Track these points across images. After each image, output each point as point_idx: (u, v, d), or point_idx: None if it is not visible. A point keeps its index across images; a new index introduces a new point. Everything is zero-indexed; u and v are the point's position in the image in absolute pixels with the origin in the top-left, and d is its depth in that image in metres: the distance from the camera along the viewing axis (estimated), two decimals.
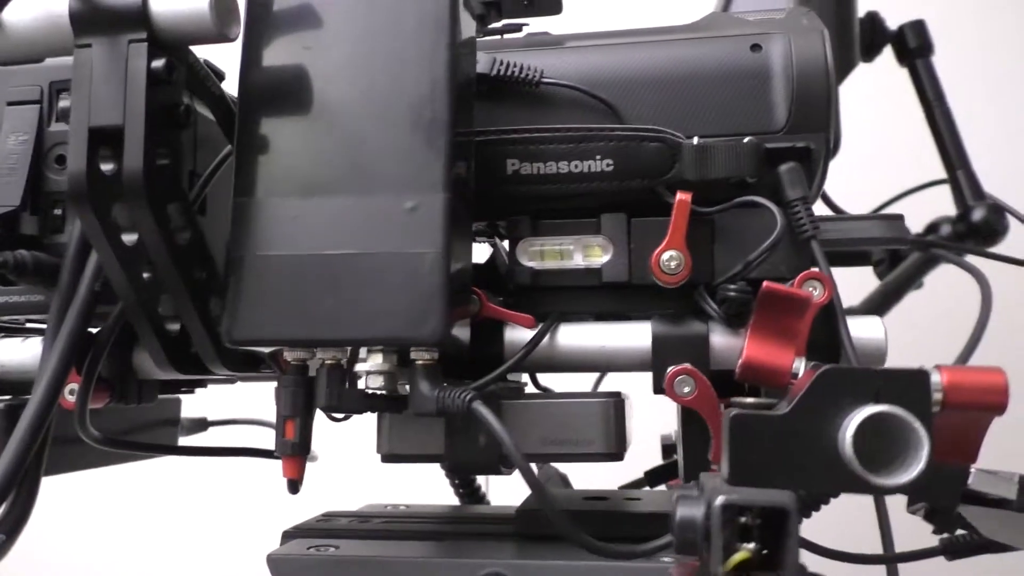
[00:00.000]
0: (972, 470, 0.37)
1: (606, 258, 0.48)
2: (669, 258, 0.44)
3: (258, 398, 0.73)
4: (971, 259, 0.74)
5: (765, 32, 0.49)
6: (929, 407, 0.31)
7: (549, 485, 0.66)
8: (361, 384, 0.41)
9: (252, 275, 0.40)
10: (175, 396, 0.67)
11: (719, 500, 0.30)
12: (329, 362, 0.41)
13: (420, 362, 0.40)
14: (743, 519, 0.30)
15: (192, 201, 0.44)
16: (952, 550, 0.45)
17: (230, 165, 0.43)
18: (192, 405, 0.70)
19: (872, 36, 0.81)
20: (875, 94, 0.87)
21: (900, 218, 0.48)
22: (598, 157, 0.47)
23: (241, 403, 0.76)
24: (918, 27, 0.81)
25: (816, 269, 0.43)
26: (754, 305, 0.42)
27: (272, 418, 0.62)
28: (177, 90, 0.39)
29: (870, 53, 0.82)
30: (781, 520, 0.30)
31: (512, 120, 0.48)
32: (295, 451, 0.41)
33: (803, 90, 0.47)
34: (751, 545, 0.30)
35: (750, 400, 0.32)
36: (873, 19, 0.81)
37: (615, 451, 0.45)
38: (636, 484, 0.68)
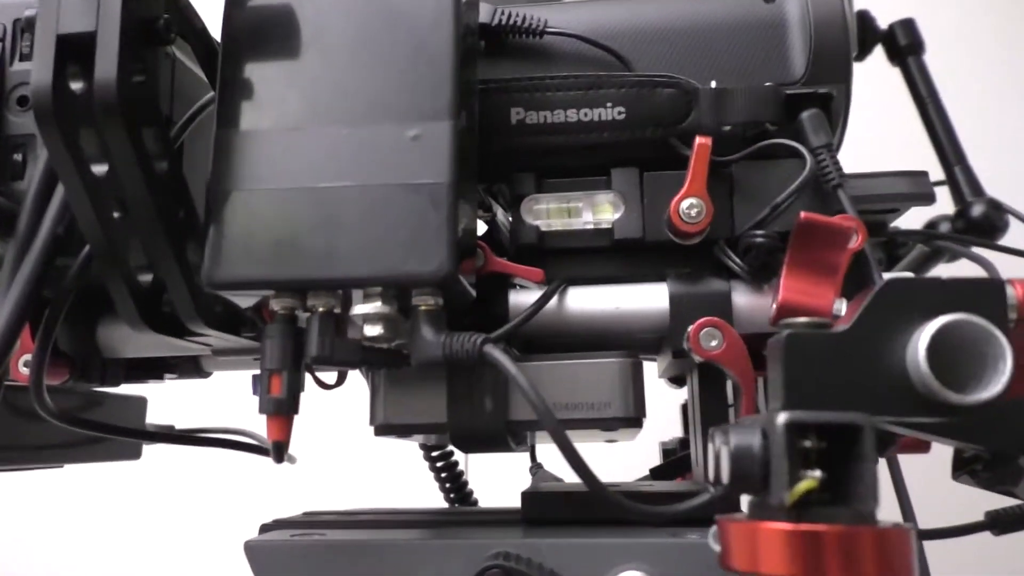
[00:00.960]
0: None
1: (617, 215, 0.44)
2: (689, 206, 0.41)
3: (228, 406, 0.69)
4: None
5: None
6: (1006, 318, 0.28)
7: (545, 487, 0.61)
8: (356, 334, 0.37)
9: (237, 212, 0.36)
10: (140, 396, 0.62)
11: (782, 417, 0.26)
12: (321, 309, 0.36)
13: (424, 307, 0.36)
14: (806, 443, 0.27)
15: (172, 138, 0.40)
16: (1000, 524, 0.42)
17: (211, 112, 0.39)
18: (157, 410, 0.64)
19: (863, 35, 0.80)
20: (868, 94, 0.86)
21: (925, 175, 0.46)
22: (608, 105, 0.44)
23: (212, 411, 0.70)
24: (908, 25, 0.80)
25: (848, 214, 0.40)
26: (786, 246, 0.39)
27: (246, 426, 0.58)
28: (156, 2, 0.35)
29: (861, 53, 0.81)
30: (852, 442, 0.26)
31: (515, 74, 0.45)
32: (281, 409, 0.36)
33: (821, 40, 0.45)
34: (817, 473, 0.26)
35: (803, 320, 0.29)
36: (863, 18, 0.81)
37: (634, 415, 0.41)
38: None
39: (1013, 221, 0.78)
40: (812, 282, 0.36)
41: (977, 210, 0.76)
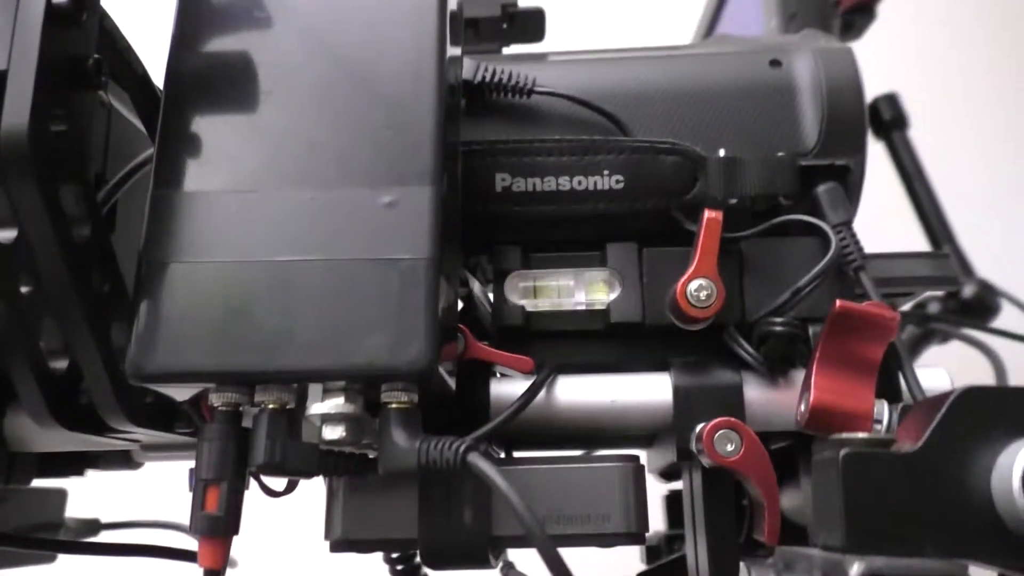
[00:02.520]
0: None
1: (613, 295, 0.39)
2: (699, 288, 0.36)
3: (161, 494, 0.61)
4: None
5: (784, 49, 0.43)
6: None
7: None
8: (312, 437, 0.31)
9: (174, 288, 0.30)
10: (58, 488, 0.54)
11: (856, 570, 0.21)
12: (272, 406, 0.30)
13: (395, 405, 0.30)
14: None
15: (99, 201, 0.34)
16: None
17: (148, 173, 0.34)
18: (78, 504, 0.57)
19: None
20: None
21: (947, 256, 0.42)
22: (605, 172, 0.39)
23: (140, 502, 0.62)
24: (891, 100, 0.79)
25: (874, 300, 0.36)
26: (806, 336, 0.34)
27: (180, 519, 0.50)
28: (85, 38, 0.30)
29: None
30: None
31: (501, 136, 0.41)
32: (217, 529, 0.30)
33: (835, 107, 0.41)
34: None
35: (860, 436, 0.24)
36: None
37: (635, 530, 0.35)
38: None
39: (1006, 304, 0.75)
40: (846, 380, 0.31)
41: (969, 291, 0.73)
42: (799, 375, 0.38)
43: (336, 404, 0.30)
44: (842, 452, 0.23)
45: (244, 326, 0.30)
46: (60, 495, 0.54)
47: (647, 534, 0.63)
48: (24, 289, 0.31)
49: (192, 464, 0.45)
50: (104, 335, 0.32)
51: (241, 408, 0.31)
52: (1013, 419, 0.23)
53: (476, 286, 0.43)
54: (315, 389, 0.31)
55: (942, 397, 0.24)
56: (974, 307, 0.72)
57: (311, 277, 0.30)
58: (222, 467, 0.30)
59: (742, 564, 0.25)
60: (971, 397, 0.23)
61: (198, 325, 0.30)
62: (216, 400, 0.31)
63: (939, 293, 0.76)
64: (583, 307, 0.40)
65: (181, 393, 0.32)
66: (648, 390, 0.38)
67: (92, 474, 0.53)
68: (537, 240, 0.41)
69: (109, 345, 0.32)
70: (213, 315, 0.30)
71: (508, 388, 0.38)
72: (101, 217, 0.32)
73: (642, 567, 0.62)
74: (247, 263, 0.31)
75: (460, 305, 0.42)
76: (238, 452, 0.31)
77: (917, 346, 0.72)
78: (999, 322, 0.75)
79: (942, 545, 0.23)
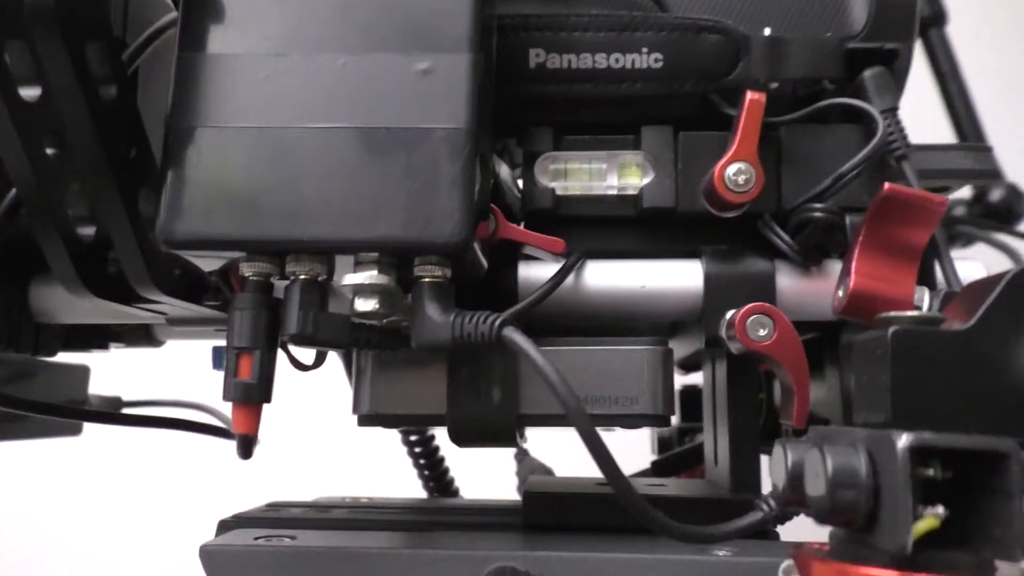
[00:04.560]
0: None
1: (647, 180, 0.38)
2: (737, 172, 0.35)
3: (183, 377, 0.61)
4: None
5: None
6: None
7: (536, 478, 0.56)
8: (343, 308, 0.31)
9: (202, 154, 0.30)
10: (81, 366, 0.55)
11: (904, 440, 0.20)
12: (303, 277, 0.30)
13: (429, 279, 0.30)
14: (929, 472, 0.21)
15: (123, 61, 0.32)
16: None
17: (172, 36, 0.32)
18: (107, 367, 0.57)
19: None
20: None
21: (990, 150, 0.41)
22: (644, 50, 0.38)
23: (160, 386, 0.63)
24: None
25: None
26: (844, 223, 0.34)
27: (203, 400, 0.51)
28: None
29: None
30: (992, 473, 0.21)
31: (536, 10, 0.39)
32: (251, 396, 0.30)
33: None
34: (939, 510, 0.21)
35: (910, 314, 0.23)
36: None
37: (662, 412, 0.35)
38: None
39: None
40: (888, 266, 0.31)
41: (997, 195, 0.72)
42: (833, 266, 0.37)
43: (370, 276, 0.30)
44: (892, 329, 0.23)
45: (276, 194, 0.29)
46: (84, 371, 0.54)
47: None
48: (50, 151, 0.30)
49: (217, 343, 0.45)
50: (132, 201, 0.31)
51: (272, 279, 0.31)
52: None
53: (504, 170, 0.42)
54: (346, 261, 0.31)
55: (995, 279, 0.24)
56: (1000, 210, 0.71)
57: (344, 145, 0.30)
58: (255, 336, 0.30)
59: (776, 443, 0.25)
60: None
61: (229, 192, 0.29)
62: (247, 270, 0.30)
63: (965, 196, 0.75)
64: (615, 191, 0.39)
65: (211, 263, 0.32)
66: (679, 277, 0.38)
67: (114, 356, 0.53)
68: (570, 122, 0.39)
69: (137, 212, 0.31)
70: (244, 182, 0.29)
71: (537, 272, 0.38)
72: (127, 78, 0.31)
73: (653, 458, 0.64)
74: (278, 129, 0.30)
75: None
76: (270, 322, 0.30)
77: None
78: None
79: (987, 423, 0.22)
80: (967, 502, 0.21)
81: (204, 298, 0.36)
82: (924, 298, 0.31)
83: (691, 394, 0.61)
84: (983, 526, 0.21)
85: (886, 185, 0.30)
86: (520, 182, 0.39)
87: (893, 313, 0.24)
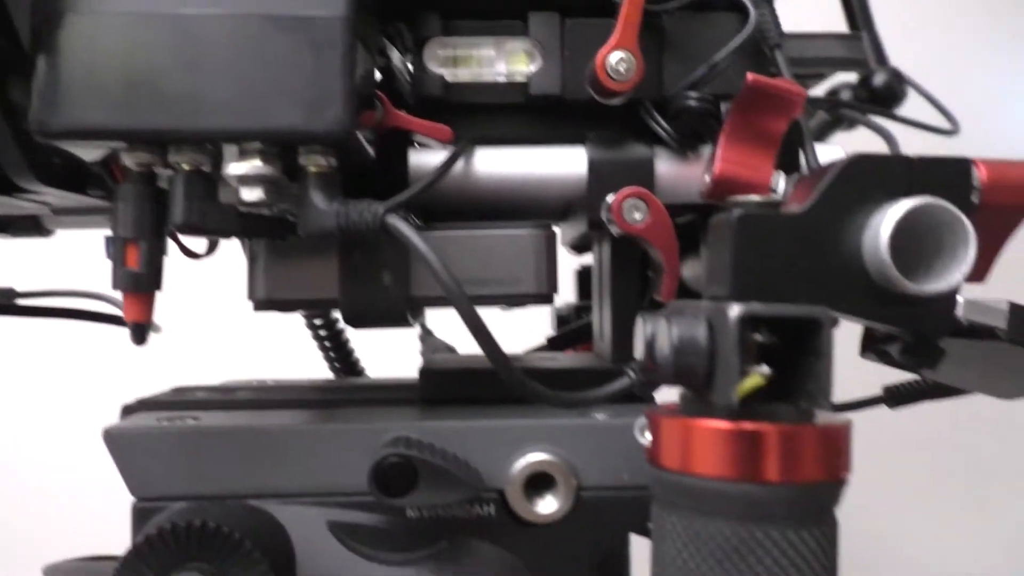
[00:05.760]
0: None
1: (534, 67, 0.39)
2: (618, 60, 0.36)
3: (77, 268, 0.60)
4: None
5: None
6: (970, 202, 0.26)
7: (437, 356, 0.58)
8: (231, 197, 0.31)
9: (74, 41, 0.29)
10: None
11: (735, 310, 0.23)
12: (186, 167, 0.30)
13: (314, 169, 0.31)
14: (757, 337, 0.24)
15: None
16: (896, 397, 0.42)
17: None
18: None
19: None
20: None
21: (859, 38, 0.43)
22: None
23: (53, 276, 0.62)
24: None
25: (786, 78, 0.37)
26: (718, 111, 0.36)
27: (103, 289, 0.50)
28: None
29: None
30: (808, 336, 0.24)
31: None
32: (140, 284, 0.31)
33: None
34: (764, 369, 0.24)
35: (753, 199, 0.26)
36: None
37: (546, 291, 0.38)
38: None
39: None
40: (750, 153, 0.33)
41: (880, 79, 0.75)
42: (708, 152, 0.39)
43: (254, 166, 0.30)
44: (735, 213, 0.25)
45: (152, 83, 0.29)
46: None
47: (559, 305, 0.67)
48: None
49: (108, 232, 0.45)
50: (2, 90, 0.30)
51: (155, 168, 0.31)
52: (891, 184, 0.25)
53: (395, 55, 0.42)
54: (231, 151, 0.31)
55: (831, 166, 0.26)
56: (882, 94, 0.74)
57: (219, 33, 0.29)
58: (140, 225, 0.30)
59: (638, 316, 0.27)
60: (857, 164, 0.25)
61: (104, 81, 0.29)
62: (128, 160, 0.30)
63: (852, 80, 0.78)
64: (503, 79, 0.39)
65: (90, 153, 0.32)
66: (565, 163, 0.39)
67: (3, 247, 0.52)
68: (458, 6, 0.39)
69: (8, 100, 0.31)
70: (119, 71, 0.29)
71: (427, 158, 0.39)
72: None
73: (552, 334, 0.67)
74: (151, 16, 0.29)
75: (378, 75, 0.41)
76: (155, 211, 0.31)
77: (826, 131, 0.74)
78: (904, 110, 0.78)
79: (815, 295, 0.25)
80: (791, 363, 0.24)
81: (88, 187, 0.36)
82: (780, 181, 0.33)
83: (587, 274, 0.64)
84: (801, 382, 0.24)
85: (750, 76, 0.31)
86: (411, 67, 0.39)
87: (740, 197, 0.26)
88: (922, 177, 0.25)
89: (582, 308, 0.67)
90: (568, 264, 0.64)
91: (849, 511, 0.28)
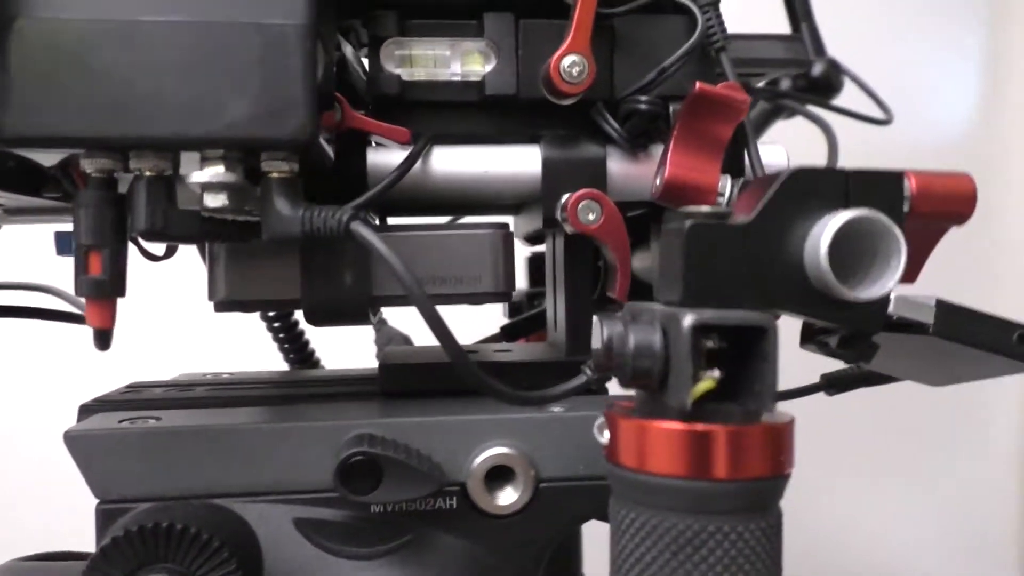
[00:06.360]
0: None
1: (489, 67, 0.40)
2: (571, 64, 0.37)
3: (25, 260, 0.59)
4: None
5: None
6: (902, 212, 0.28)
7: (392, 345, 0.59)
8: (193, 203, 0.31)
9: (25, 46, 0.29)
10: None
11: (688, 320, 0.25)
12: (148, 173, 0.30)
13: (276, 174, 0.31)
14: (709, 343, 0.26)
15: None
16: (834, 384, 0.44)
17: None
18: None
19: None
20: None
21: (800, 39, 0.45)
22: None
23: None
24: None
25: (731, 81, 0.38)
26: (667, 113, 0.37)
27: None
28: None
29: None
30: (755, 342, 0.25)
31: None
32: (103, 292, 0.31)
33: None
34: (715, 373, 0.26)
35: (704, 209, 0.27)
36: None
37: (504, 290, 0.39)
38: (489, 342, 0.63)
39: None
40: (698, 157, 0.34)
41: (818, 69, 0.78)
42: (658, 150, 0.41)
43: (216, 173, 0.30)
44: (687, 223, 0.27)
45: (112, 89, 0.29)
46: None
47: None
48: None
49: (58, 227, 0.44)
50: None
51: (116, 174, 0.31)
52: (828, 196, 0.27)
53: (349, 51, 0.42)
54: (192, 157, 0.31)
55: (774, 176, 0.28)
56: (820, 84, 0.76)
57: (180, 40, 0.29)
58: (101, 233, 0.30)
59: (595, 317, 0.29)
60: (797, 177, 0.27)
61: (61, 88, 0.29)
62: (89, 166, 0.30)
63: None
64: (459, 78, 0.40)
65: (48, 158, 0.31)
66: (519, 161, 0.40)
67: None
68: (415, 6, 0.40)
69: None
70: (76, 77, 0.29)
71: (385, 158, 0.39)
72: None
73: (505, 321, 0.68)
74: (105, 21, 0.29)
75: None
76: (116, 217, 0.31)
77: (767, 120, 0.76)
78: (840, 100, 0.80)
79: (760, 299, 0.27)
80: (739, 366, 0.26)
81: (43, 190, 0.35)
82: (727, 186, 0.35)
83: (538, 261, 0.66)
84: (749, 384, 0.26)
85: (696, 85, 0.33)
86: (366, 63, 0.40)
87: (691, 208, 0.27)
88: (858, 189, 0.27)
89: (534, 295, 0.68)
90: (520, 251, 0.66)
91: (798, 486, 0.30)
